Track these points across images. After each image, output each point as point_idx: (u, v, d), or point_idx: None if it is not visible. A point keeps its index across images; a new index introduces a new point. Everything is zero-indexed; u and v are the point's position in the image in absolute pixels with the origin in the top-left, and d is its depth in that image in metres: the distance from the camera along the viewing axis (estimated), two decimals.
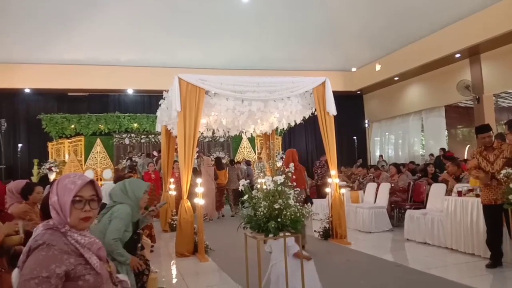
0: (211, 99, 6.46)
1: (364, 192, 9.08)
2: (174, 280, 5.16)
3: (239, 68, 13.63)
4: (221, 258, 5.95)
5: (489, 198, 4.80)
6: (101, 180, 13.77)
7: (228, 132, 8.41)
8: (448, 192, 6.44)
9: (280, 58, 14.03)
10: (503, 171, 3.85)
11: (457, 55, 11.87)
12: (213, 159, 12.39)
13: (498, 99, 13.69)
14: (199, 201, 6.08)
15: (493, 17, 10.09)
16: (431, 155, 13.44)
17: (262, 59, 13.89)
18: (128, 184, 3.39)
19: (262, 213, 2.81)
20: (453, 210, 5.74)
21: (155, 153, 13.75)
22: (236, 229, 3.08)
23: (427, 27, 11.81)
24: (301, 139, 17.10)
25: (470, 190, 5.64)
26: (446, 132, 14.58)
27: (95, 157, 14.42)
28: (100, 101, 15.75)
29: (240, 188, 2.96)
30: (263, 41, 12.71)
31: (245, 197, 2.93)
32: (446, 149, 13.32)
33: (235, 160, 12.38)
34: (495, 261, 4.82)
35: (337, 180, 7.07)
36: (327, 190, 7.55)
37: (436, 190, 6.80)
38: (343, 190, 7.30)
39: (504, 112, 15.00)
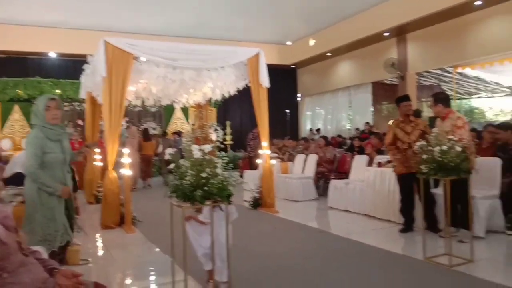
0: (140, 66, 6.18)
1: (293, 163, 9.37)
2: (100, 253, 5.02)
3: (173, 35, 13.10)
4: (148, 229, 5.87)
5: (403, 167, 5.16)
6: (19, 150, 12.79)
7: (159, 101, 8.16)
8: (370, 163, 6.84)
9: (217, 27, 13.68)
10: (418, 143, 4.14)
11: (386, 34, 12.41)
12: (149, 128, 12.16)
13: (420, 78, 14.63)
14: (126, 171, 5.88)
15: None
16: (357, 129, 14.15)
17: (198, 27, 13.43)
18: (36, 102, 3.50)
19: (189, 182, 2.78)
20: (372, 180, 6.13)
21: (80, 122, 13.00)
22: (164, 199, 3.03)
23: (359, 5, 12.14)
24: (235, 111, 17.08)
25: (389, 162, 6.03)
26: (372, 108, 15.37)
27: (13, 125, 13.31)
28: (19, 65, 14.39)
29: (166, 157, 2.90)
30: (200, 8, 12.25)
31: (171, 165, 2.88)
32: (371, 124, 14.10)
33: (167, 132, 12.25)
34: (408, 226, 5.26)
35: (268, 152, 7.21)
36: (258, 161, 7.69)
37: (359, 162, 7.20)
38: (273, 161, 7.48)
39: (425, 90, 16.08)
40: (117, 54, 5.87)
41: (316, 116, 17.93)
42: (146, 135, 11.03)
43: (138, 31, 12.93)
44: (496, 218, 4.99)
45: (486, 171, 4.92)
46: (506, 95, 16.78)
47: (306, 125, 18.09)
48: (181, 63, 6.17)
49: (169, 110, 14.57)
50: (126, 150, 6.08)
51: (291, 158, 9.93)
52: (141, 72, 6.27)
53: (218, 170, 2.85)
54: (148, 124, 14.14)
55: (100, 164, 8.26)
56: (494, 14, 9.80)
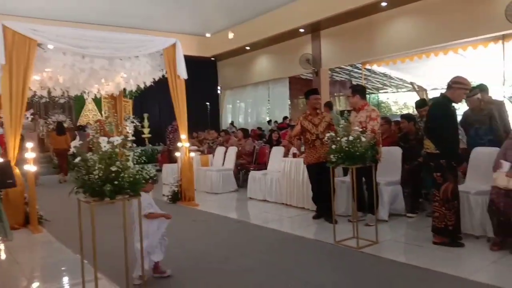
0: (45, 53, 5.71)
1: (213, 156, 9.37)
2: (2, 256, 4.59)
3: (83, 21, 12.24)
4: (57, 228, 5.50)
5: (313, 157, 5.40)
6: None
7: (68, 92, 7.61)
8: (286, 154, 7.07)
9: (130, 14, 13.03)
10: (327, 134, 4.37)
11: (301, 30, 12.84)
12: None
13: (333, 73, 15.43)
14: (30, 167, 5.43)
15: None
16: (276, 122, 14.54)
17: (110, 13, 12.68)
18: None
19: (97, 176, 2.64)
20: (288, 170, 6.36)
21: None
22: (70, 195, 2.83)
23: (276, 1, 12.40)
24: (154, 103, 16.55)
25: (303, 152, 6.28)
26: (289, 102, 15.88)
27: None
28: None
29: (72, 150, 2.72)
30: None
31: (77, 159, 2.70)
32: (289, 117, 14.57)
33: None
34: (319, 213, 5.53)
35: (187, 144, 7.12)
36: (177, 154, 7.56)
37: (276, 153, 7.41)
38: (192, 154, 7.41)
39: (337, 85, 17.00)
40: (18, 39, 5.35)
41: (237, 109, 18.08)
42: (60, 128, 10.66)
43: (42, 16, 11.88)
44: (398, 203, 5.47)
45: (389, 159, 5.33)
46: (408, 91, 18.38)
47: (227, 118, 18.15)
48: (91, 51, 5.80)
49: (79, 101, 13.71)
50: (29, 144, 5.60)
51: (211, 151, 9.92)
52: (46, 60, 5.79)
53: (130, 163, 2.74)
54: (57, 116, 13.18)
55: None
56: (398, 15, 10.61)
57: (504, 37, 8.88)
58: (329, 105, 8.02)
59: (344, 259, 3.95)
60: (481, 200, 4.22)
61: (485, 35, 8.90)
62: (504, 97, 10.04)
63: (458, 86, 4.09)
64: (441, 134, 4.03)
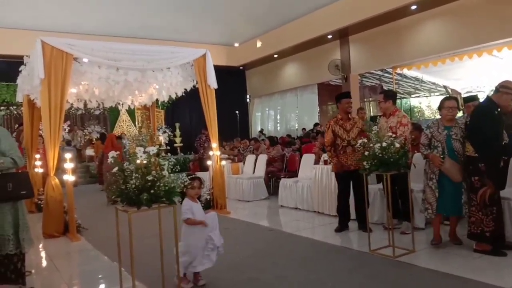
0: (81, 67, 5.93)
1: (244, 164, 9.42)
2: (43, 263, 4.76)
3: (114, 35, 12.66)
4: (94, 236, 5.65)
5: (343, 165, 5.18)
6: None
7: (103, 103, 7.86)
8: (317, 162, 7.01)
9: (160, 27, 13.40)
10: (360, 141, 4.31)
11: (329, 36, 12.80)
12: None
13: (363, 79, 15.23)
14: (69, 177, 5.62)
15: (361, 2, 11.03)
16: (303, 129, 14.46)
17: (141, 27, 13.09)
18: None
19: (133, 185, 2.70)
20: (319, 177, 6.30)
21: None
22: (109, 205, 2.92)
23: (303, 8, 12.42)
24: (185, 112, 16.85)
25: (325, 161, 6.26)
26: (318, 108, 15.78)
27: None
28: None
29: (109, 160, 2.80)
30: (143, 7, 11.93)
31: (115, 169, 2.78)
32: (319, 123, 14.47)
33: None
34: (342, 225, 5.31)
35: (218, 153, 7.19)
36: (209, 162, 7.65)
37: (307, 160, 7.36)
38: (223, 162, 7.47)
39: (367, 90, 16.76)
40: (56, 54, 5.59)
41: (266, 117, 18.14)
42: (104, 138, 10.87)
43: (77, 31, 12.38)
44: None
45: (423, 165, 5.18)
46: (441, 94, 17.88)
47: (256, 126, 18.24)
48: (124, 64, 5.99)
49: (114, 112, 14.13)
50: (68, 155, 5.80)
51: (241, 159, 9.97)
52: (82, 73, 6.02)
53: (165, 172, 2.79)
54: (93, 127, 13.62)
55: (40, 170, 7.84)
56: (427, 18, 10.41)
57: None
58: (361, 110, 7.91)
59: (379, 269, 3.85)
60: None
61: None
62: None
63: (505, 90, 3.93)
64: (481, 138, 3.89)
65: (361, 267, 3.94)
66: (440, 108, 4.35)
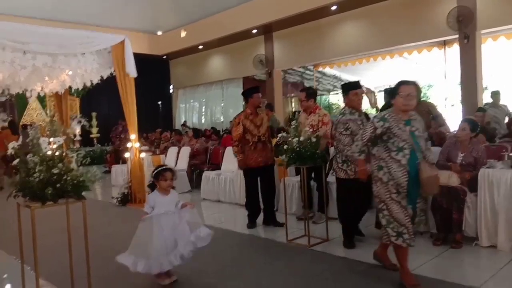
0: None
1: (166, 156, 9.19)
2: None
3: (23, 15, 11.55)
4: None
5: (253, 160, 5.02)
6: None
7: (8, 90, 7.15)
8: None
9: (79, 10, 12.47)
10: (279, 135, 4.42)
11: (254, 31, 12.89)
12: None
13: (286, 75, 15.62)
14: None
15: None
16: (231, 121, 14.49)
17: (54, 8, 12.08)
18: None
19: (37, 179, 2.49)
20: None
21: None
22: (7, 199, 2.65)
23: (229, 1, 12.37)
24: (103, 101, 15.94)
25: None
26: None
27: None
28: None
29: (9, 152, 2.55)
30: None
31: (15, 162, 2.54)
32: None
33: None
34: (252, 220, 5.22)
35: (137, 145, 6.92)
36: (127, 155, 7.33)
37: (230, 153, 7.35)
38: (143, 155, 7.22)
39: (289, 86, 17.24)
40: None
41: (190, 109, 17.85)
42: (14, 127, 10.04)
43: None
44: None
45: None
46: None
47: (180, 118, 17.87)
48: (33, 47, 5.48)
49: (22, 99, 12.91)
50: None
51: (164, 151, 9.72)
52: None
53: (73, 165, 2.61)
54: None
55: None
56: (347, 19, 10.92)
57: (445, 43, 9.43)
58: (270, 107, 8.17)
59: (295, 257, 4.00)
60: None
61: (427, 40, 9.40)
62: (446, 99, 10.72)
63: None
64: None
65: (279, 256, 4.06)
66: (393, 95, 3.21)
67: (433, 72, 11.13)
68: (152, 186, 3.46)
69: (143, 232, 3.28)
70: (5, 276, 3.78)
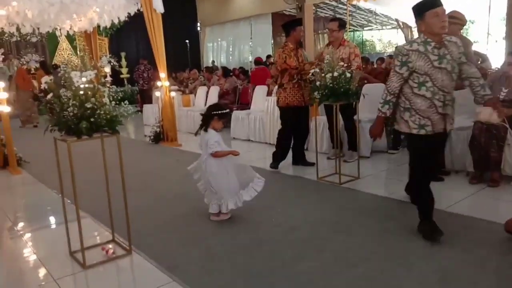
0: None
1: (195, 96, 9.18)
2: None
3: None
4: (37, 169, 5.42)
5: (295, 99, 4.74)
6: None
7: (38, 29, 7.16)
8: (269, 94, 6.95)
9: None
10: (311, 70, 4.24)
11: None
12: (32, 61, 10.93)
13: (317, 9, 14.91)
14: (4, 108, 5.20)
15: None
16: (269, 56, 14.15)
17: None
18: None
19: (72, 113, 2.51)
20: (272, 109, 6.27)
21: None
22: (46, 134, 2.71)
23: None
24: (130, 41, 15.89)
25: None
26: (272, 40, 15.42)
27: None
28: None
29: (43, 86, 2.56)
30: None
31: (49, 96, 2.56)
32: (272, 55, 14.22)
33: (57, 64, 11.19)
34: (277, 161, 5.00)
35: (167, 83, 6.90)
36: (157, 94, 7.36)
37: (259, 92, 7.28)
38: (173, 94, 7.22)
39: (321, 21, 16.51)
40: None
41: (218, 48, 17.53)
42: (46, 67, 10.11)
43: None
44: (380, 140, 5.49)
45: (372, 96, 5.27)
46: (393, 28, 18.03)
47: (208, 58, 17.65)
48: None
49: (53, 40, 13.01)
50: (0, 84, 5.32)
51: (193, 90, 9.70)
52: None
53: (105, 100, 2.61)
54: (30, 56, 12.58)
55: None
56: None
57: None
58: (299, 44, 7.82)
59: (326, 194, 4.01)
60: (462, 136, 4.26)
61: None
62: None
63: (454, 21, 3.93)
64: None
65: (309, 193, 4.09)
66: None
67: (476, 6, 10.30)
68: (207, 122, 3.33)
69: (220, 176, 3.28)
70: (48, 208, 4.00)
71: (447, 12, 2.83)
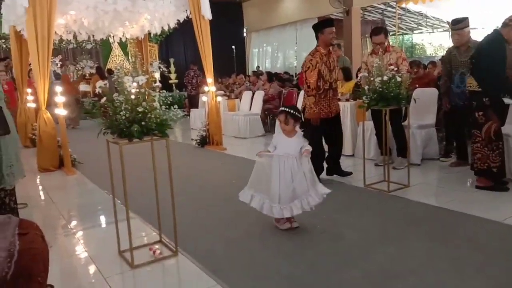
0: None
1: (240, 101, 9.27)
2: (39, 196, 4.79)
3: None
4: (90, 170, 5.67)
5: (324, 111, 4.41)
6: None
7: (93, 36, 7.53)
8: None
9: None
10: (360, 74, 4.15)
11: None
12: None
13: (365, 13, 14.62)
14: (61, 111, 5.50)
15: None
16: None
17: None
18: None
19: (124, 116, 2.60)
20: None
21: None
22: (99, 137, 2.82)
23: None
24: (179, 47, 16.34)
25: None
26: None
27: None
28: None
29: (97, 90, 2.67)
30: None
31: (103, 100, 2.66)
32: None
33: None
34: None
35: (213, 88, 7.01)
36: (204, 98, 7.50)
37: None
38: (219, 98, 7.32)
39: (369, 25, 16.16)
40: None
41: (263, 53, 17.62)
42: (102, 72, 10.67)
43: None
44: (431, 146, 5.28)
45: (423, 101, 5.08)
46: (445, 31, 17.30)
47: (253, 63, 17.78)
48: None
49: (106, 47, 13.66)
50: (58, 88, 5.63)
51: (238, 95, 9.81)
52: (69, 3, 5.69)
53: (156, 104, 2.68)
54: (85, 62, 13.25)
55: (33, 105, 7.69)
56: None
57: None
58: (338, 46, 7.64)
59: (374, 202, 3.89)
60: None
61: None
62: None
63: None
64: (489, 71, 3.74)
65: (356, 200, 3.98)
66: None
67: None
68: (303, 125, 3.33)
69: (261, 169, 3.23)
70: (99, 208, 4.16)
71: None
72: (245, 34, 17.46)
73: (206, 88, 7.04)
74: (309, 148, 3.15)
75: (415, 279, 2.39)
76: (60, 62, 12.54)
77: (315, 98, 4.32)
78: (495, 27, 4.06)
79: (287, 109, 3.22)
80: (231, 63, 16.13)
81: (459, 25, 4.55)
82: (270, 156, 3.18)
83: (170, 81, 14.63)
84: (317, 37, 4.46)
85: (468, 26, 4.57)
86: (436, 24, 16.66)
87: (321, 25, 4.43)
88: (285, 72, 13.97)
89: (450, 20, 14.48)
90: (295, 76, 12.25)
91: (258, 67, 16.60)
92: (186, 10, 6.57)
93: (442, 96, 5.12)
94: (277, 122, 7.05)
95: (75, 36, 7.48)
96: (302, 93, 7.36)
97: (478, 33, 10.58)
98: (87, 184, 5.12)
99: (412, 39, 19.20)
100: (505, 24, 3.81)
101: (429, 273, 2.44)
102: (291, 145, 3.17)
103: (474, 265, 2.51)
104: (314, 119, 4.32)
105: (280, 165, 3.13)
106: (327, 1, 12.41)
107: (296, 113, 3.19)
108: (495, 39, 3.84)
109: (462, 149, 4.97)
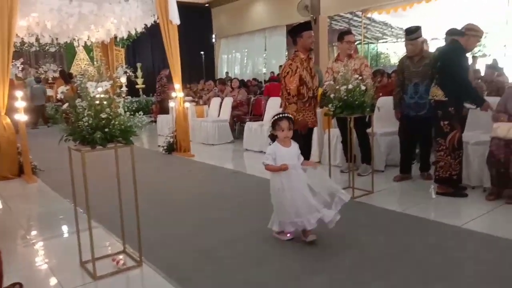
0: None
1: (209, 107, 9.23)
2: None
3: None
4: (51, 178, 5.47)
5: (310, 120, 4.27)
6: None
7: (57, 39, 7.31)
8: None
9: None
10: (326, 82, 4.22)
11: None
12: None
13: (332, 22, 14.93)
14: (21, 117, 5.30)
15: None
16: (272, 72, 14.25)
17: None
18: None
19: (87, 123, 2.53)
20: None
21: None
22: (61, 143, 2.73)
23: None
24: (147, 52, 16.10)
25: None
26: (286, 52, 15.48)
27: None
28: None
29: (59, 96, 2.59)
30: None
31: (65, 106, 2.59)
32: None
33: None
34: None
35: (181, 94, 6.95)
36: (171, 104, 7.42)
37: (273, 103, 7.27)
38: (187, 105, 7.27)
39: (335, 34, 16.51)
40: None
41: (232, 60, 17.66)
42: (66, 76, 10.24)
43: None
44: (395, 153, 5.42)
45: (386, 109, 5.21)
46: None
47: (222, 69, 17.78)
48: None
49: (70, 50, 13.29)
50: (19, 93, 5.42)
51: (207, 102, 9.77)
52: (32, 4, 5.50)
53: (120, 110, 2.62)
54: (48, 66, 12.83)
55: None
56: None
57: None
58: None
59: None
60: (479, 151, 4.17)
61: None
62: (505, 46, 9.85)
63: (472, 33, 3.93)
64: (453, 81, 3.90)
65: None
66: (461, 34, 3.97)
67: (493, 17, 10.18)
68: (273, 137, 3.12)
69: (276, 191, 3.06)
70: (61, 217, 4.02)
71: (463, 24, 2.89)
72: (214, 40, 17.44)
73: (173, 94, 6.97)
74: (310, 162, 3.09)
75: (378, 284, 2.44)
76: (22, 66, 12.12)
77: (296, 106, 4.09)
78: (448, 37, 4.22)
79: (288, 115, 3.10)
80: (200, 69, 16.06)
81: (412, 35, 4.50)
82: (284, 169, 2.97)
83: (137, 86, 14.40)
84: (295, 42, 4.26)
85: (421, 36, 4.55)
86: (400, 34, 17.19)
87: (299, 29, 4.23)
88: (254, 79, 14.05)
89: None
90: (265, 83, 12.32)
91: (227, 73, 16.62)
92: (154, 15, 6.50)
93: (393, 107, 4.87)
94: (249, 130, 7.07)
95: (37, 39, 7.23)
96: (271, 100, 7.43)
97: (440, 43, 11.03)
98: (48, 192, 4.94)
99: (377, 48, 19.74)
100: (462, 34, 3.98)
101: (393, 278, 2.50)
102: (292, 155, 3.05)
103: (436, 270, 2.59)
104: (302, 127, 4.09)
105: (291, 177, 2.98)
106: (295, 9, 12.60)
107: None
108: (458, 47, 4.00)
109: (406, 162, 4.83)
